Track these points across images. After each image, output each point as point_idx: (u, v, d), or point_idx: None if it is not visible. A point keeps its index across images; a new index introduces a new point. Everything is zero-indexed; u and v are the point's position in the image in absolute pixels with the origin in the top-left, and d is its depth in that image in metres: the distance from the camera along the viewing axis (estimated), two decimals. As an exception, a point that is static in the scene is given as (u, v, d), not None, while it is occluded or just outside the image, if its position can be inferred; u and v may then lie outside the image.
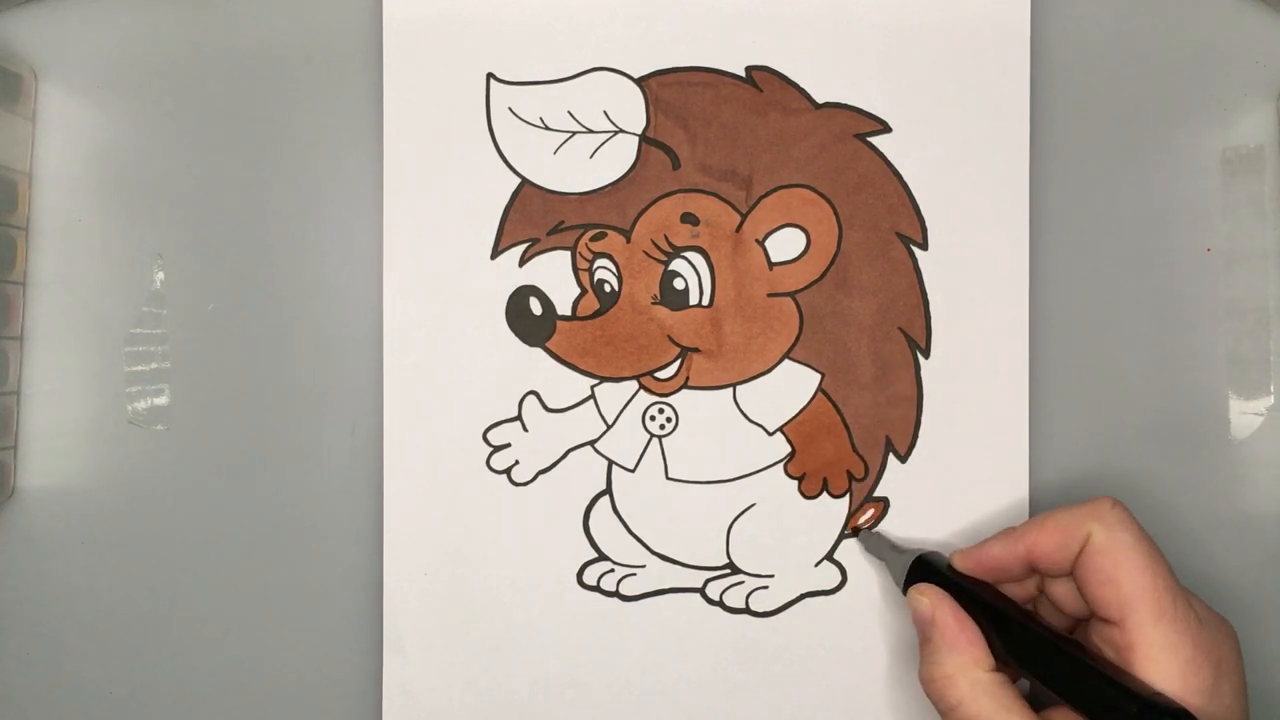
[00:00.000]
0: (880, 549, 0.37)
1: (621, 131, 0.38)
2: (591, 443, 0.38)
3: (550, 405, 0.38)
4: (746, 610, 0.38)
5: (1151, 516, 0.39)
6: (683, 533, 0.38)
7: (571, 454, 0.38)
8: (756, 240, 0.38)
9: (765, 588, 0.38)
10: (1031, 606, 0.34)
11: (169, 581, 0.39)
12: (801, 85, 0.38)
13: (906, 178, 0.38)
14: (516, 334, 0.38)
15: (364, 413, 0.39)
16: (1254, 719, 0.31)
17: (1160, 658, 0.29)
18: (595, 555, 0.38)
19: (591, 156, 0.38)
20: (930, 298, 0.38)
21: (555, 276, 0.38)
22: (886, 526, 0.38)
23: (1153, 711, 0.28)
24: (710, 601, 0.38)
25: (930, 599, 0.33)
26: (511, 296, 0.38)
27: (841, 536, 0.38)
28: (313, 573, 0.39)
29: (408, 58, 0.38)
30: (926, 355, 0.38)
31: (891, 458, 0.38)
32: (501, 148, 0.38)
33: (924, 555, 0.35)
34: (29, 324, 0.39)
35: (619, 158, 0.38)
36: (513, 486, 0.38)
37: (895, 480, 0.38)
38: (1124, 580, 0.30)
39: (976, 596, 0.33)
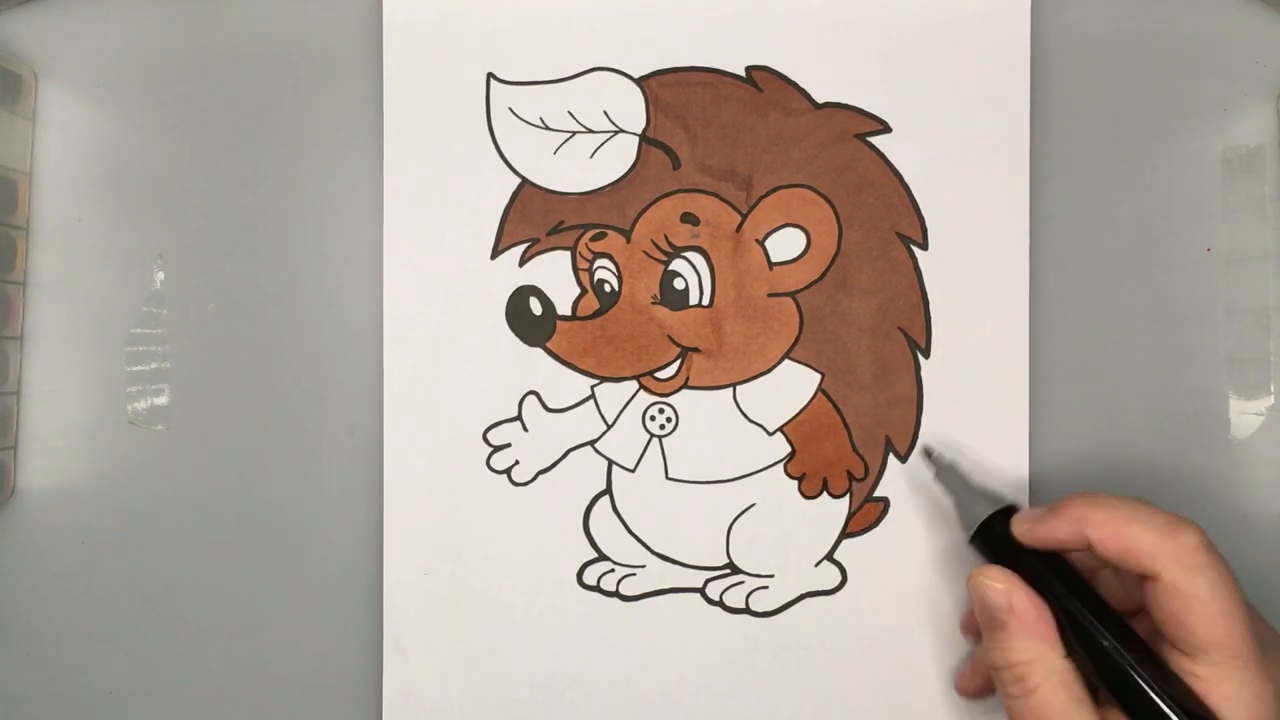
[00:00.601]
0: (954, 484, 0.36)
1: (621, 131, 0.38)
2: (591, 443, 0.38)
3: (550, 405, 0.38)
4: (746, 610, 0.38)
5: (1151, 516, 0.39)
6: (683, 533, 0.38)
7: (571, 454, 0.38)
8: (756, 240, 0.38)
9: (765, 588, 0.38)
10: (1090, 577, 0.33)
11: (169, 581, 0.39)
12: (801, 85, 0.38)
13: (906, 178, 0.38)
14: (516, 334, 0.38)
15: (364, 413, 0.39)
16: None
17: (1229, 691, 0.29)
18: (595, 555, 0.38)
19: (591, 156, 0.38)
20: (930, 298, 0.38)
21: (555, 276, 0.38)
22: (886, 526, 0.38)
23: None
24: (710, 601, 0.38)
25: (1004, 585, 0.31)
26: (511, 296, 0.38)
27: (842, 536, 0.38)
28: (313, 573, 0.39)
29: (408, 58, 0.38)
30: (926, 355, 0.38)
31: (891, 458, 0.38)
32: (501, 148, 0.38)
33: (1002, 511, 0.33)
34: (29, 324, 0.39)
35: (619, 158, 0.38)
36: (513, 486, 0.38)
37: (895, 480, 0.38)
38: (1197, 627, 0.29)
39: (1038, 569, 0.32)
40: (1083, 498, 0.31)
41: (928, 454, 0.37)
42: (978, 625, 0.33)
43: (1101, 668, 0.30)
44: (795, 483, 0.38)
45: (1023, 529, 0.33)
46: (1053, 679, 0.30)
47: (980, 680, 0.36)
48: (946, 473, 0.36)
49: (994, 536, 0.33)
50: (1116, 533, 0.30)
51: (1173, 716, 0.29)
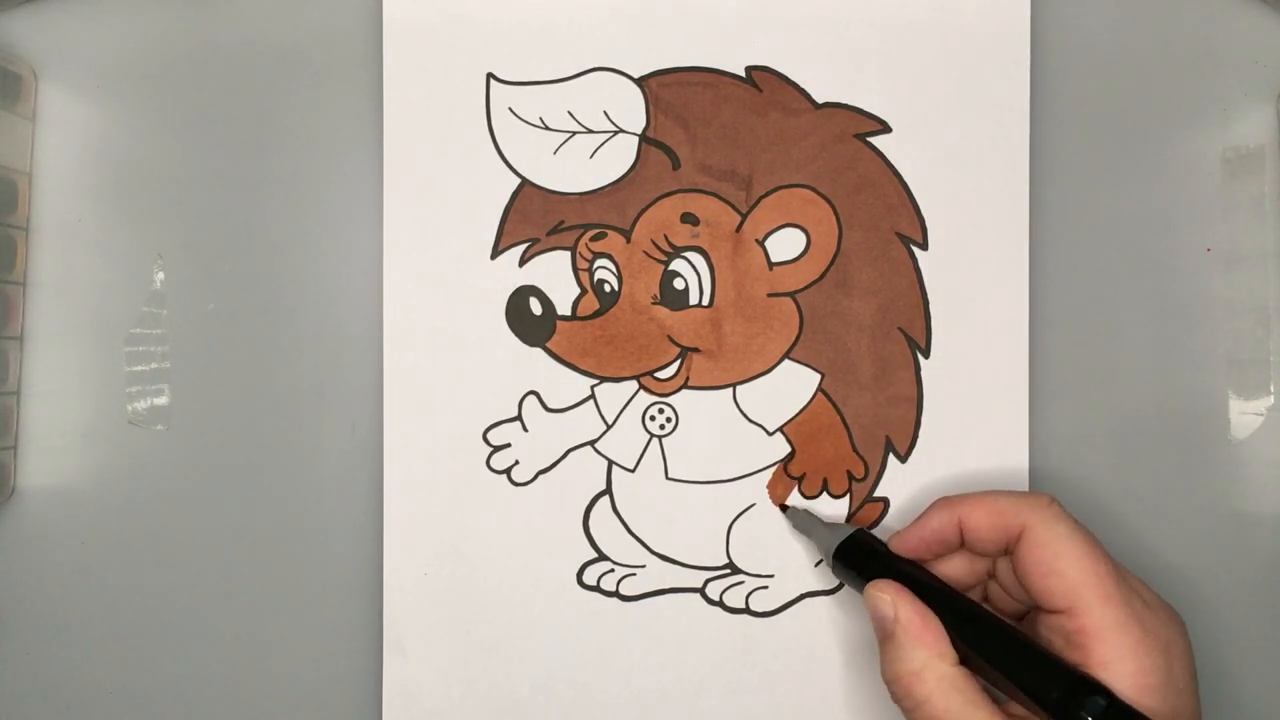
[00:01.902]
0: (808, 526, 0.37)
1: (621, 131, 0.38)
2: (591, 443, 0.38)
3: (550, 405, 0.38)
4: (746, 610, 0.38)
5: (1151, 516, 0.39)
6: (683, 533, 0.38)
7: (571, 454, 0.38)
8: (756, 240, 0.38)
9: (765, 588, 0.38)
10: (980, 596, 0.34)
11: (169, 581, 0.39)
12: (801, 85, 0.38)
13: (906, 178, 0.38)
14: (516, 334, 0.38)
15: (364, 413, 0.39)
16: (1258, 720, 0.31)
17: (1110, 640, 0.29)
18: (595, 555, 0.38)
19: (591, 156, 0.38)
20: (930, 298, 0.38)
21: (555, 276, 0.38)
22: (886, 525, 0.38)
23: (1076, 690, 0.28)
24: (710, 601, 0.38)
25: (890, 595, 0.32)
26: (511, 296, 0.38)
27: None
28: (313, 573, 0.39)
29: (408, 58, 0.38)
30: (926, 355, 0.38)
31: (891, 458, 0.38)
32: (501, 148, 0.38)
33: (855, 534, 0.35)
34: (29, 324, 0.39)
35: (619, 158, 0.38)
36: (513, 486, 0.38)
37: (895, 480, 0.38)
38: (1067, 569, 0.30)
39: (918, 581, 0.33)
40: (942, 497, 0.34)
41: (783, 509, 0.38)
42: None
43: (991, 659, 0.30)
44: (795, 483, 0.38)
45: (896, 540, 0.34)
46: (944, 684, 0.30)
47: None
48: (798, 517, 0.37)
49: (855, 559, 0.34)
50: (983, 504, 0.32)
51: (1040, 664, 0.29)
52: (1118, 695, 0.28)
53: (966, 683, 0.30)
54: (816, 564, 0.38)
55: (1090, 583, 0.30)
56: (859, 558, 0.34)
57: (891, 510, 0.38)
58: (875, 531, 0.38)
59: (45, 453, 0.39)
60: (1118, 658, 0.29)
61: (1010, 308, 0.38)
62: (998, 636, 0.31)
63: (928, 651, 0.31)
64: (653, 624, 0.38)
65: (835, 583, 0.38)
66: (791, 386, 0.38)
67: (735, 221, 0.38)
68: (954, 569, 0.34)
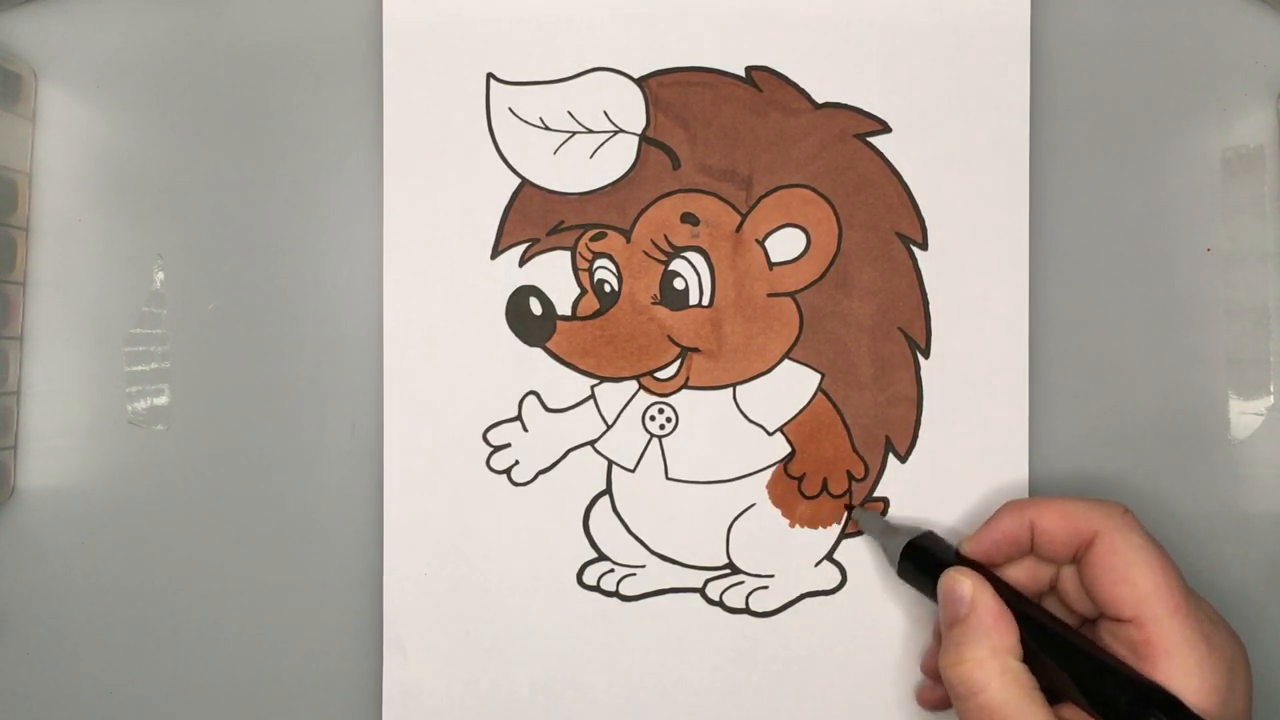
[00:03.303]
0: (874, 527, 0.37)
1: (621, 131, 0.38)
2: (591, 443, 0.38)
3: (550, 405, 0.38)
4: (746, 610, 0.38)
5: (1152, 516, 0.39)
6: (683, 533, 0.38)
7: (571, 454, 0.38)
8: (756, 240, 0.38)
9: (765, 588, 0.38)
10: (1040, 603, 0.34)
11: (169, 581, 0.39)
12: (801, 85, 0.38)
13: (906, 178, 0.38)
14: (516, 334, 0.38)
15: (364, 413, 0.39)
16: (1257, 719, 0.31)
17: (1178, 651, 0.29)
18: (595, 555, 0.38)
19: (591, 156, 0.38)
20: (930, 298, 0.38)
21: (555, 276, 0.38)
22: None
23: (1145, 699, 0.28)
24: (710, 601, 0.38)
25: (972, 581, 0.32)
26: (511, 296, 0.38)
27: (842, 536, 0.38)
28: (313, 573, 0.39)
29: (408, 58, 0.38)
30: (926, 355, 0.38)
31: (891, 458, 0.38)
32: (501, 148, 0.38)
33: (920, 537, 0.35)
34: (29, 324, 0.39)
35: (619, 158, 0.38)
36: (513, 486, 0.38)
37: (895, 480, 0.38)
38: (1138, 578, 0.30)
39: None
40: (1014, 500, 0.34)
41: (848, 510, 0.38)
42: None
43: (1060, 660, 0.30)
44: (795, 482, 0.38)
45: (968, 544, 0.34)
46: (1007, 676, 0.30)
47: (942, 692, 0.36)
48: (866, 518, 0.38)
49: (924, 560, 0.34)
50: (1054, 509, 0.32)
51: (1108, 675, 0.29)
52: (1187, 705, 0.28)
53: (1028, 678, 0.30)
54: (817, 564, 0.38)
55: (1161, 594, 0.29)
56: (926, 560, 0.34)
57: (891, 510, 0.38)
58: (872, 511, 0.38)
59: (45, 453, 0.39)
60: (1184, 672, 0.28)
61: (1010, 308, 0.38)
62: (1067, 639, 0.30)
63: (998, 641, 0.31)
64: (653, 624, 0.38)
65: (835, 583, 0.38)
66: (791, 386, 0.38)
67: (735, 221, 0.38)
68: (1019, 575, 0.34)
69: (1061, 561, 0.33)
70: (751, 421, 0.38)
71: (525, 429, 0.38)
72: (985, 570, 0.33)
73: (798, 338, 0.38)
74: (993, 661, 0.30)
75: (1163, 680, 0.29)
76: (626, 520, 0.38)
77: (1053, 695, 0.30)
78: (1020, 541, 0.33)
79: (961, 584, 0.32)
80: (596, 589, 0.38)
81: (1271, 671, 0.39)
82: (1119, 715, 0.28)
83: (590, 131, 0.38)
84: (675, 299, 0.38)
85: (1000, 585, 0.32)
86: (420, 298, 0.38)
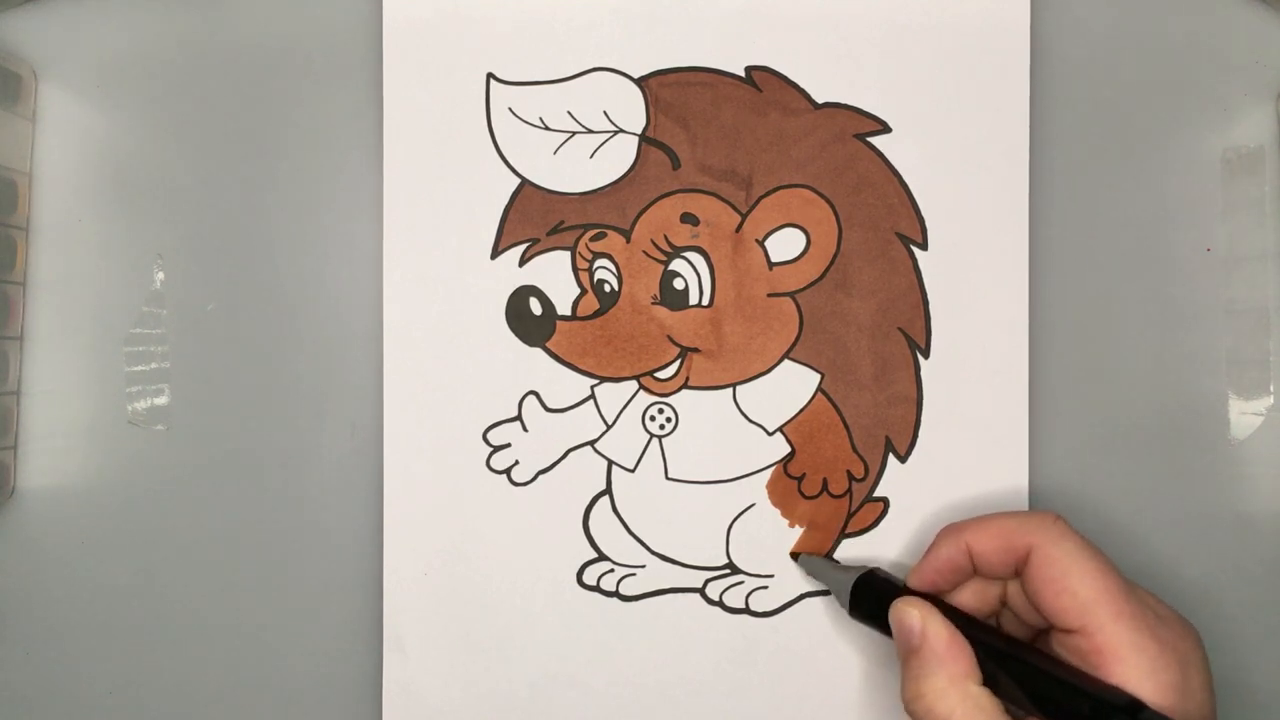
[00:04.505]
0: (820, 570, 0.37)
1: (621, 131, 0.38)
2: (591, 443, 0.38)
3: (550, 405, 0.38)
4: (746, 610, 0.38)
5: (1152, 516, 0.39)
6: (682, 533, 0.38)
7: (571, 454, 0.38)
8: (756, 240, 0.38)
9: (765, 588, 0.38)
10: (995, 622, 0.34)
11: (169, 581, 0.39)
12: (801, 85, 0.38)
13: (906, 178, 0.38)
14: (516, 334, 0.38)
15: (364, 413, 0.39)
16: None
17: (1128, 657, 0.29)
18: (595, 555, 0.38)
19: (591, 156, 0.38)
20: (930, 298, 0.38)
21: (555, 276, 0.38)
22: (886, 525, 0.38)
23: (1106, 706, 0.28)
24: (710, 601, 0.38)
25: (920, 611, 0.32)
26: (511, 297, 0.38)
27: (841, 536, 0.38)
28: (313, 573, 0.39)
29: (408, 58, 0.38)
30: (926, 355, 0.38)
31: (891, 458, 0.38)
32: (501, 148, 0.38)
33: (870, 573, 0.35)
34: (29, 324, 0.39)
35: (619, 158, 0.38)
36: (513, 486, 0.38)
37: (895, 480, 0.38)
38: (1077, 587, 0.30)
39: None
40: (948, 525, 0.34)
41: (794, 558, 0.38)
42: None
43: (1018, 678, 0.30)
44: (795, 483, 0.38)
45: (913, 576, 0.34)
46: (969, 703, 0.30)
47: None
48: (810, 564, 0.37)
49: (873, 596, 0.34)
50: (988, 528, 0.32)
51: (1063, 686, 0.29)
52: (1149, 705, 0.28)
53: (991, 703, 0.30)
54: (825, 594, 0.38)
55: (1102, 600, 0.29)
56: (875, 597, 0.34)
57: (891, 510, 0.38)
58: (872, 533, 0.38)
59: (45, 453, 0.39)
60: (1138, 675, 0.28)
61: (1010, 308, 0.38)
62: (1022, 658, 0.30)
63: (954, 668, 0.31)
64: (653, 624, 0.38)
65: (835, 583, 0.38)
66: (791, 386, 0.38)
67: (735, 221, 0.38)
68: (967, 599, 0.34)
69: (1004, 578, 0.33)
70: (751, 421, 0.38)
71: (525, 429, 0.38)
72: (935, 599, 0.33)
73: (798, 338, 0.38)
74: (952, 690, 0.30)
75: (1118, 685, 0.29)
76: (626, 520, 0.38)
77: (1018, 714, 0.30)
78: (961, 566, 0.33)
79: (909, 615, 0.32)
80: (596, 589, 0.38)
81: (1272, 671, 0.39)
82: None
83: (590, 131, 0.38)
84: (675, 299, 0.38)
85: (950, 611, 0.32)
86: (420, 298, 0.38)
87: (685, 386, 0.38)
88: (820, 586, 0.38)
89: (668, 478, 0.38)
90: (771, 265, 0.38)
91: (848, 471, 0.38)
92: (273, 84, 0.39)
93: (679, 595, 0.38)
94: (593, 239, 0.38)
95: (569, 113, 0.38)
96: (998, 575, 0.33)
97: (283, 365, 0.39)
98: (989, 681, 0.31)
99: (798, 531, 0.38)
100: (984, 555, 0.32)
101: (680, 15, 0.38)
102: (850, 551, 0.38)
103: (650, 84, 0.38)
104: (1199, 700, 0.29)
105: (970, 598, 0.34)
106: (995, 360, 0.38)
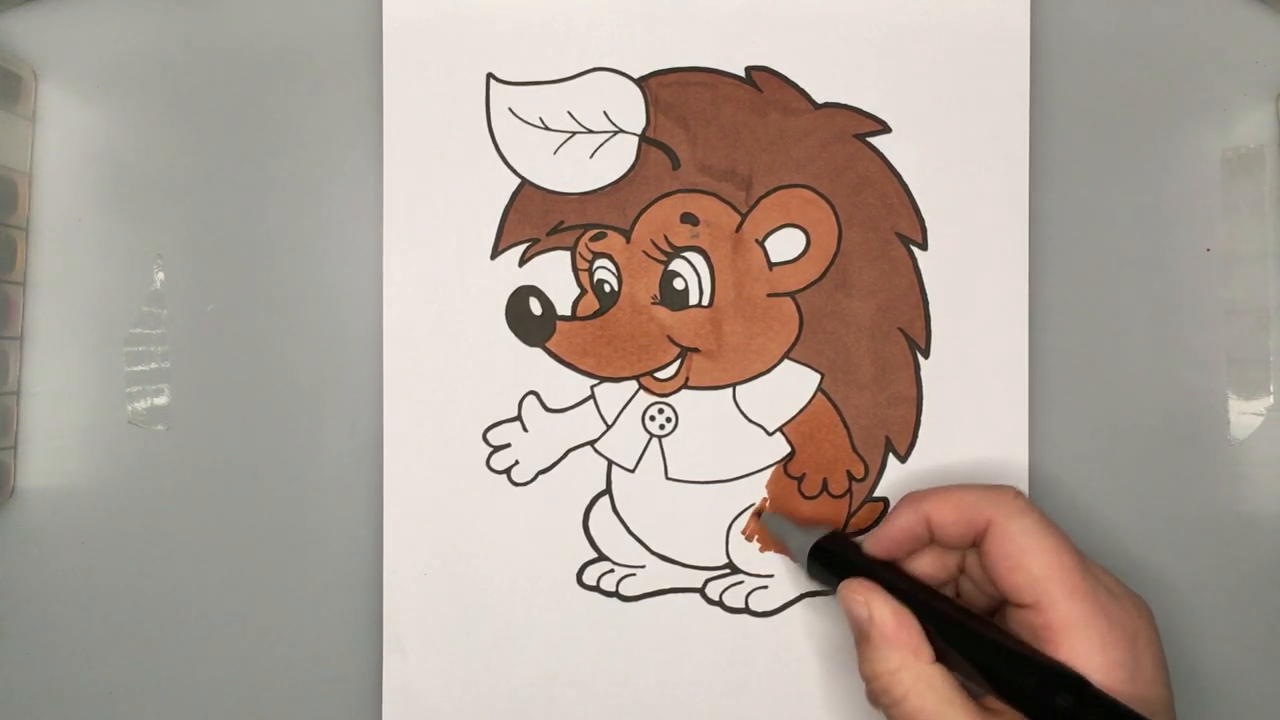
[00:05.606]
0: (784, 530, 0.37)
1: (621, 131, 0.38)
2: (591, 443, 0.38)
3: (550, 405, 0.38)
4: (746, 610, 0.38)
5: (1150, 516, 0.39)
6: (682, 533, 0.38)
7: (571, 454, 0.38)
8: (756, 240, 0.38)
9: (765, 588, 0.38)
10: (953, 591, 0.34)
11: (169, 582, 0.39)
12: (801, 85, 0.38)
13: (906, 178, 0.38)
14: (516, 334, 0.38)
15: (364, 413, 0.39)
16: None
17: (1077, 634, 0.29)
18: (595, 555, 0.38)
19: (591, 156, 0.38)
20: (930, 298, 0.38)
21: (555, 276, 0.38)
22: (886, 526, 0.38)
23: (1051, 681, 0.28)
24: (710, 601, 0.38)
25: (863, 595, 0.32)
26: (511, 297, 0.38)
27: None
28: (313, 573, 0.39)
29: (408, 58, 0.38)
30: (926, 355, 0.38)
31: (891, 458, 0.38)
32: (501, 148, 0.38)
33: (829, 536, 0.35)
34: (29, 324, 0.39)
35: (619, 158, 0.38)
36: (513, 486, 0.38)
37: (895, 480, 0.38)
38: (1031, 564, 0.30)
39: (893, 579, 0.33)
40: (909, 494, 0.34)
41: (757, 514, 0.38)
42: None
43: (965, 653, 0.30)
44: (795, 482, 0.38)
45: (869, 541, 0.34)
46: (920, 683, 0.30)
47: None
48: (774, 521, 0.37)
49: (831, 560, 0.35)
50: (948, 499, 0.32)
51: (1011, 659, 0.29)
52: (1092, 683, 0.28)
53: (943, 680, 0.30)
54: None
55: (1055, 576, 0.30)
56: (834, 561, 0.35)
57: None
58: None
59: (45, 453, 0.39)
60: (1086, 651, 0.29)
61: (1010, 308, 0.38)
62: (971, 631, 0.31)
63: (903, 650, 0.31)
64: (653, 624, 0.38)
65: (835, 583, 0.38)
66: (791, 386, 0.38)
67: (735, 221, 0.38)
68: (925, 566, 0.34)
69: (962, 549, 0.33)
70: (751, 421, 0.38)
71: (525, 429, 0.38)
72: (891, 566, 0.33)
73: (797, 338, 0.38)
74: (904, 672, 0.31)
75: (1066, 660, 0.29)
76: (626, 520, 0.38)
77: (974, 690, 0.30)
78: (919, 535, 0.33)
79: (855, 601, 0.32)
80: (596, 589, 0.38)
81: (1274, 671, 0.39)
82: (1027, 699, 0.29)
83: (590, 131, 0.38)
84: (675, 299, 0.38)
85: (905, 581, 0.33)
86: (420, 298, 0.38)
87: (685, 386, 0.38)
88: (820, 586, 0.38)
89: (668, 478, 0.38)
90: (771, 265, 0.38)
91: (848, 471, 0.38)
92: (273, 84, 0.39)
93: (679, 595, 0.38)
94: (593, 239, 0.38)
95: (569, 113, 0.38)
96: (956, 546, 0.33)
97: (282, 365, 0.39)
98: (942, 657, 0.31)
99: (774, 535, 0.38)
100: (942, 526, 0.32)
101: (680, 15, 0.38)
102: (850, 551, 0.38)
103: (650, 84, 0.38)
104: (1149, 677, 0.29)
105: (929, 565, 0.34)
106: (995, 360, 0.38)
